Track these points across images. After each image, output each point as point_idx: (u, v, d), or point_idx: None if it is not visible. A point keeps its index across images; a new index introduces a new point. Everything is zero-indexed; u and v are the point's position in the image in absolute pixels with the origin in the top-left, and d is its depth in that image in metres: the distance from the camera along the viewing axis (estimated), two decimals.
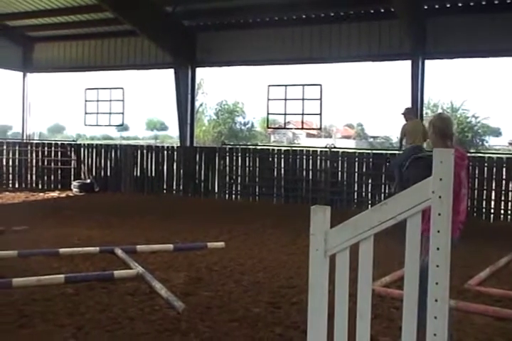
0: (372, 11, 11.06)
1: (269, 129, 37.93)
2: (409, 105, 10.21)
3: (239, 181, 12.05)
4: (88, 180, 13.10)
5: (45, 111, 61.12)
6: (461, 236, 3.36)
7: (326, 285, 2.23)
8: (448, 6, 10.35)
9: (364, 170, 10.81)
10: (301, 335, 3.42)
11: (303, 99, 11.91)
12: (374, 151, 12.53)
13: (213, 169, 12.22)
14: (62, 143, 14.01)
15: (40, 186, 13.49)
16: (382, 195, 10.46)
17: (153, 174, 12.75)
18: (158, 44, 12.60)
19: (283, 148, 12.46)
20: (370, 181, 10.75)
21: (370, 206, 10.37)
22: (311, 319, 2.24)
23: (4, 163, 13.64)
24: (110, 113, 13.95)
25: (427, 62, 10.76)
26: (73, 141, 14.60)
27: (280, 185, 11.59)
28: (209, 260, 6.07)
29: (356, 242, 2.17)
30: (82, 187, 12.69)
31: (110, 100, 13.85)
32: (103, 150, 13.34)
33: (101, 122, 14.24)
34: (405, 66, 10.84)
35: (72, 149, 13.61)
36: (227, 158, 12.11)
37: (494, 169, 9.74)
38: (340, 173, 11.02)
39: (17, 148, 13.74)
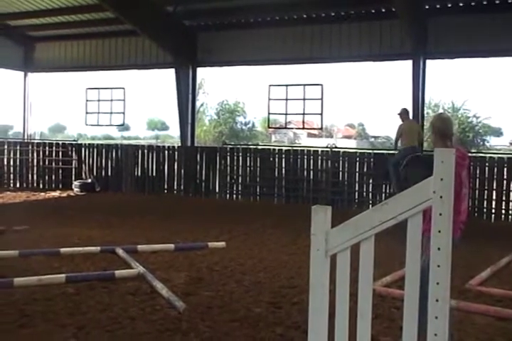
0: (373, 11, 11.05)
1: (270, 129, 37.85)
2: (407, 105, 10.18)
3: (240, 181, 12.05)
4: (89, 180, 13.11)
5: (46, 111, 61.20)
6: (462, 236, 3.35)
7: (326, 285, 2.23)
8: (449, 5, 10.34)
9: (365, 170, 10.81)
10: (302, 335, 3.42)
11: (304, 99, 11.91)
12: (375, 151, 12.54)
13: (214, 169, 12.22)
14: (63, 143, 14.02)
15: (41, 186, 13.51)
16: (383, 195, 10.46)
17: (154, 174, 12.76)
18: (159, 44, 12.60)
19: (284, 148, 12.46)
20: (371, 181, 10.75)
21: (371, 206, 10.37)
22: (312, 319, 2.24)
23: (5, 163, 13.64)
24: (111, 113, 13.94)
25: (428, 62, 10.76)
26: (74, 140, 14.61)
27: (281, 184, 11.59)
28: (210, 260, 6.07)
29: (357, 242, 2.17)
30: (83, 187, 12.69)
31: (111, 100, 13.85)
32: (104, 150, 13.35)
33: (102, 122, 14.24)
34: (406, 66, 10.86)
35: (73, 149, 13.63)
36: (228, 157, 12.11)
37: (495, 169, 9.74)
38: (341, 173, 11.01)
39: (18, 147, 13.74)
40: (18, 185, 13.53)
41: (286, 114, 12.39)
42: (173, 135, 44.87)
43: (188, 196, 12.25)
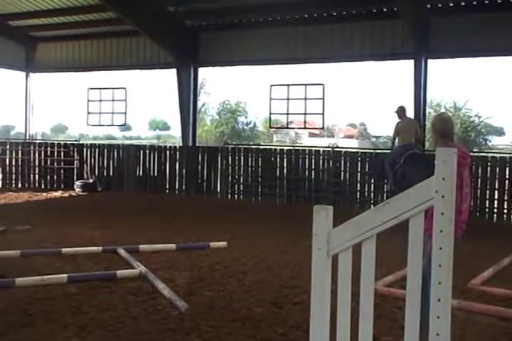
0: (374, 11, 11.04)
1: (272, 129, 37.84)
2: (409, 105, 10.15)
3: (241, 181, 12.06)
4: (91, 180, 13.13)
5: (48, 111, 61.30)
6: (463, 235, 3.35)
7: (328, 285, 2.23)
8: (451, 5, 10.33)
9: (367, 169, 10.80)
10: (304, 335, 3.41)
11: (305, 99, 11.90)
12: (377, 151, 12.53)
13: (216, 169, 12.23)
14: (65, 143, 14.05)
15: (43, 186, 13.53)
16: (385, 195, 10.45)
17: (156, 174, 12.77)
18: (161, 44, 12.61)
19: (285, 148, 12.45)
20: (372, 181, 10.74)
21: (372, 205, 10.38)
22: (314, 319, 2.24)
23: (7, 163, 13.67)
24: (113, 113, 13.96)
25: (429, 61, 10.75)
26: (76, 140, 14.62)
27: (282, 184, 11.59)
28: (211, 260, 6.07)
29: (359, 242, 2.17)
30: (84, 187, 12.71)
31: (113, 100, 13.87)
32: (106, 150, 13.38)
33: (103, 122, 14.26)
34: (408, 65, 10.84)
35: (75, 149, 13.66)
36: (230, 157, 12.11)
37: (497, 168, 9.73)
38: (342, 173, 11.01)
39: (20, 148, 13.76)
40: (20, 185, 13.55)
41: (287, 114, 12.39)
42: (174, 135, 44.92)
43: (189, 196, 12.25)
